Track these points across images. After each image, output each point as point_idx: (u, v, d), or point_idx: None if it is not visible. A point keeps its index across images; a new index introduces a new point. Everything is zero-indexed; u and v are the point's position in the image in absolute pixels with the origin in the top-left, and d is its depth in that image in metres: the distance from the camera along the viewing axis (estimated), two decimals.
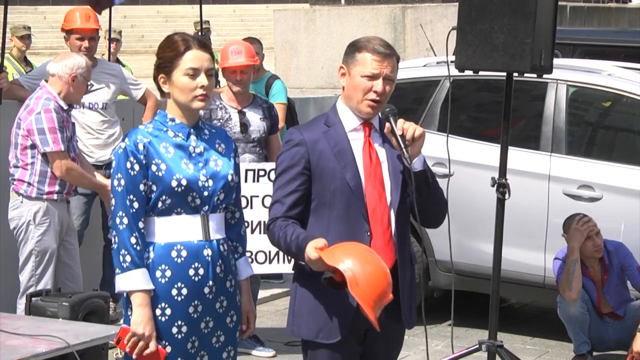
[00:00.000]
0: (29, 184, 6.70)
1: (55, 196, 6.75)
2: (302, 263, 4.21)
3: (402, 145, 4.23)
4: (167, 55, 4.19)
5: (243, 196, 6.26)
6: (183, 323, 4.20)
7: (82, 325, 5.81)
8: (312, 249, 4.08)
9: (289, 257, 7.08)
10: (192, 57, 4.16)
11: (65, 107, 6.80)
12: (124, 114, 8.33)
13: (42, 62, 8.71)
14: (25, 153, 6.69)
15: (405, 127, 4.25)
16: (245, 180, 7.04)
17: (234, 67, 7.33)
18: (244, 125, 7.37)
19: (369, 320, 4.17)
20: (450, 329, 5.73)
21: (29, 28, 12.72)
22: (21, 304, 6.63)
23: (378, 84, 4.27)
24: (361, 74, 4.28)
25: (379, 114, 4.39)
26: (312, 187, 4.28)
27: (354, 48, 4.33)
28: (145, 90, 8.11)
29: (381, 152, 4.37)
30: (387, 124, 4.27)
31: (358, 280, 4.00)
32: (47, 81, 6.83)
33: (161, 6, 38.02)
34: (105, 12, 9.06)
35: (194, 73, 4.16)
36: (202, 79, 4.17)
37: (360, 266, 4.02)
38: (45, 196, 6.72)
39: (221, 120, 7.30)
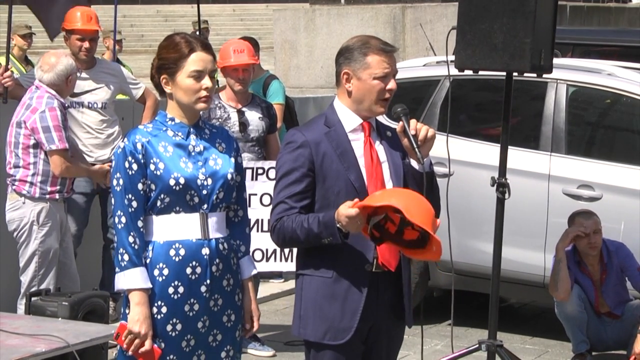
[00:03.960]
0: (32, 184, 6.70)
1: (57, 196, 6.77)
2: (326, 240, 4.16)
3: (415, 146, 4.24)
4: (171, 57, 4.19)
5: None
6: (178, 321, 4.21)
7: (81, 324, 5.82)
8: (348, 208, 4.06)
9: (286, 255, 7.09)
10: (197, 60, 4.18)
11: (67, 105, 6.84)
12: (123, 114, 8.32)
13: None
14: (27, 152, 6.70)
15: (418, 127, 4.26)
16: None
17: (236, 66, 7.33)
18: (243, 125, 7.37)
19: (373, 319, 4.26)
20: (450, 328, 5.74)
21: (31, 27, 12.72)
22: (22, 304, 6.63)
23: (391, 83, 4.30)
24: (374, 76, 4.28)
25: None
26: (315, 189, 4.27)
27: (357, 52, 4.31)
28: (144, 90, 8.10)
29: (381, 152, 4.37)
30: (400, 123, 4.27)
31: (412, 211, 4.00)
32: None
33: (161, 5, 38.00)
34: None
35: (199, 75, 4.19)
36: (206, 81, 4.20)
37: (406, 199, 4.04)
38: (47, 196, 6.72)
39: (220, 120, 7.30)
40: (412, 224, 4.06)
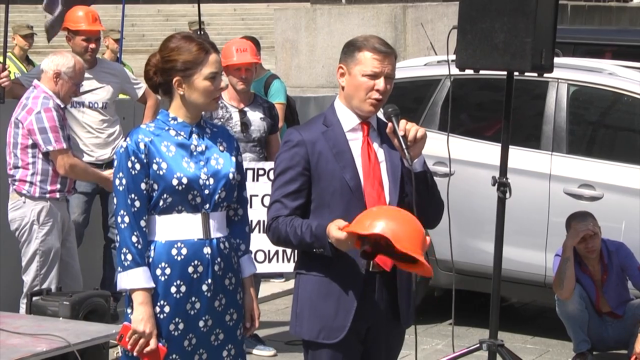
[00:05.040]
0: (31, 183, 6.71)
1: (57, 195, 6.77)
2: (318, 251, 4.18)
3: (404, 146, 4.22)
4: (185, 60, 4.20)
5: None
6: (180, 320, 4.22)
7: (82, 324, 5.83)
8: (337, 230, 4.07)
9: (288, 256, 7.09)
10: (213, 62, 4.23)
11: (63, 106, 6.82)
12: (124, 113, 8.33)
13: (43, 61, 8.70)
14: (25, 152, 6.70)
15: (407, 127, 4.24)
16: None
17: (239, 65, 7.34)
18: (245, 125, 7.37)
19: (370, 319, 4.24)
20: (451, 328, 5.74)
21: (32, 27, 12.74)
22: (24, 304, 6.63)
23: (380, 83, 4.27)
24: (362, 73, 4.27)
25: (379, 113, 4.40)
26: (311, 189, 4.28)
27: (353, 47, 4.32)
28: (145, 90, 8.11)
29: (379, 152, 4.36)
30: (390, 124, 4.26)
31: (400, 236, 4.00)
32: (39, 80, 6.85)
33: (162, 5, 37.99)
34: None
35: (215, 77, 4.22)
36: (222, 82, 4.26)
37: (394, 223, 4.02)
38: (48, 195, 6.73)
39: (222, 120, 7.30)
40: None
